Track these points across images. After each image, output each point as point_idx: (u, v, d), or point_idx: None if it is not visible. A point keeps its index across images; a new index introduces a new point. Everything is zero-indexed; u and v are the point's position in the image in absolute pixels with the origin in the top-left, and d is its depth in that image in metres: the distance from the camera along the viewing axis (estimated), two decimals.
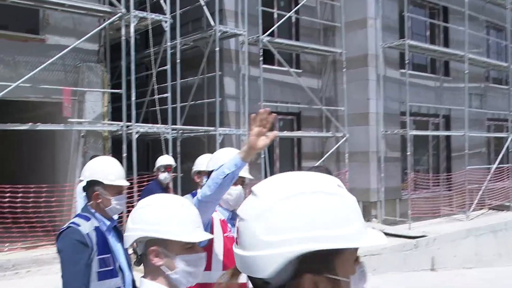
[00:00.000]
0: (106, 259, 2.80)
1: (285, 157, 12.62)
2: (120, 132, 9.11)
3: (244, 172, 3.13)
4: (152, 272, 1.72)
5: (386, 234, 10.95)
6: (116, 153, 10.15)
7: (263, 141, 2.46)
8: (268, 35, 11.03)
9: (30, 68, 8.33)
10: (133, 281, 3.01)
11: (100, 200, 2.90)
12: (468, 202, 13.36)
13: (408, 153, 12.19)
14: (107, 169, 2.96)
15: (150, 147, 13.28)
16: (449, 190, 13.92)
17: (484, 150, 15.76)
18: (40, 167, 10.65)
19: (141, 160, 13.06)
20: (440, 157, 14.58)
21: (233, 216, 3.09)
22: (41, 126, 8.18)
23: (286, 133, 12.07)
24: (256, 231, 0.99)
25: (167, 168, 6.37)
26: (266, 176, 11.01)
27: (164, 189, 6.42)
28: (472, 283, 9.50)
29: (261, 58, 10.93)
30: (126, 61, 9.33)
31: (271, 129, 2.52)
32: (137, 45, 12.76)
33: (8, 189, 7.86)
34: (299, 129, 12.58)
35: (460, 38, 14.14)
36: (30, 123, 8.08)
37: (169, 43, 9.69)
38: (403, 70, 12.37)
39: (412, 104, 12.95)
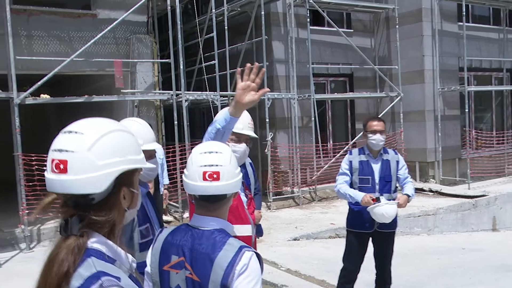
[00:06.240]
0: (146, 229, 2.72)
1: (338, 119, 12.49)
2: (171, 101, 9.41)
3: (248, 131, 3.24)
4: None
5: (443, 194, 10.71)
6: (168, 121, 10.55)
7: (251, 96, 2.38)
8: None
9: (84, 43, 8.71)
10: None
11: None
12: None
13: (467, 110, 11.67)
14: (136, 134, 2.87)
15: (205, 115, 13.61)
16: None
17: None
18: None
19: (198, 127, 13.47)
20: (505, 114, 13.82)
21: None
22: (96, 98, 8.62)
23: (338, 95, 11.92)
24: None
25: None
26: (317, 140, 11.03)
27: None
28: None
29: (308, 20, 10.76)
30: (174, 31, 9.54)
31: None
32: (189, 14, 13.02)
33: None
34: (351, 90, 12.37)
35: None
36: (86, 96, 8.54)
37: (213, 11, 9.78)
38: (461, 23, 11.73)
39: (471, 58, 12.33)
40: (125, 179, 1.36)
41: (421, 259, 7.25)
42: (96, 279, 1.22)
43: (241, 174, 2.03)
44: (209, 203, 1.94)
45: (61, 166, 1.29)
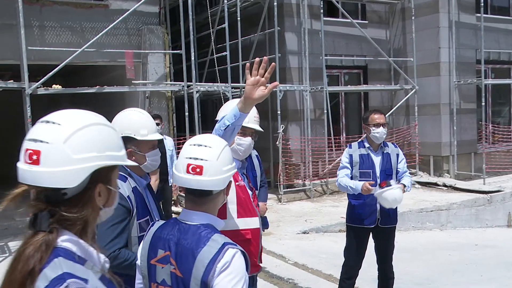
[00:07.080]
0: (146, 222, 2.59)
1: (352, 112, 12.35)
2: (182, 92, 9.39)
3: (254, 124, 3.19)
4: None
5: (457, 189, 10.53)
6: (180, 112, 10.55)
7: (260, 92, 2.35)
8: None
9: (96, 34, 8.73)
10: None
11: (133, 158, 2.61)
12: None
13: (483, 103, 11.42)
14: (138, 124, 2.66)
15: (217, 107, 13.57)
16: None
17: None
18: None
19: (209, 119, 13.44)
20: None
21: (243, 166, 3.19)
22: (107, 89, 8.65)
23: (351, 87, 11.77)
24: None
25: None
26: (329, 133, 10.91)
27: None
28: None
29: (322, 10, 10.63)
30: (186, 22, 9.49)
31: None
32: (201, 5, 12.95)
33: None
34: (365, 82, 12.20)
35: None
36: (97, 86, 8.56)
37: (226, 2, 9.70)
38: (479, 15, 11.46)
39: (489, 50, 12.07)
40: (102, 175, 1.29)
41: (433, 255, 7.14)
42: (62, 281, 1.15)
43: (231, 172, 1.95)
44: (195, 197, 1.90)
45: (34, 157, 1.22)
